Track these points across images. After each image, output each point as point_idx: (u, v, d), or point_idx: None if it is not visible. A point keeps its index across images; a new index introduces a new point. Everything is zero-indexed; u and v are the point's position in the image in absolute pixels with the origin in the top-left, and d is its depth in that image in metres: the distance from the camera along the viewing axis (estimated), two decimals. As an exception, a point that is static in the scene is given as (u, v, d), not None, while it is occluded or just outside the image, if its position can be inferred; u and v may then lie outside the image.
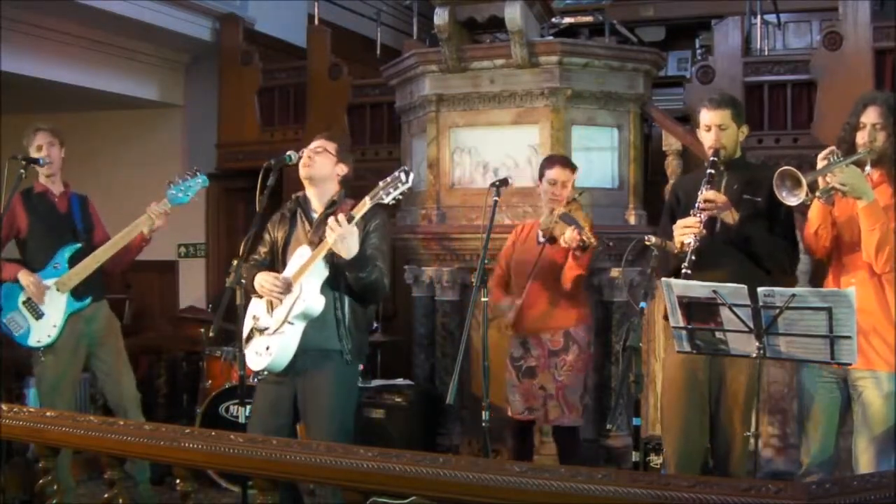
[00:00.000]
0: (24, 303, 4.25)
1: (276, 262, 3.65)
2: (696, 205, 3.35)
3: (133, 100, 7.20)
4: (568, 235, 3.83)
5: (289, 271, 3.52)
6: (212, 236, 7.40)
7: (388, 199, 3.33)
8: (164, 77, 7.38)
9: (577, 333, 4.14)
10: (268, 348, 3.47)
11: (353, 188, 3.71)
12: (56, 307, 4.27)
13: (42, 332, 4.25)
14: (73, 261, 4.31)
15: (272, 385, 3.57)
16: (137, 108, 7.39)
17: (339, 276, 3.46)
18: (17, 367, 5.28)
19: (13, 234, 4.33)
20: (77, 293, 4.30)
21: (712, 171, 3.40)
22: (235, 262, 3.51)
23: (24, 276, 4.23)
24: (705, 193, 3.34)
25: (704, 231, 3.31)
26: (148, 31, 6.63)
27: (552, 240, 4.06)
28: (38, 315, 4.25)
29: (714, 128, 3.46)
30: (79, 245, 4.37)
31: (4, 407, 2.62)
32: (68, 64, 6.52)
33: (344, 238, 3.31)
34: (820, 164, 3.19)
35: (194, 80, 7.51)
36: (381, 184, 3.34)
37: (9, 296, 4.26)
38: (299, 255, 3.52)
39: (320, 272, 3.45)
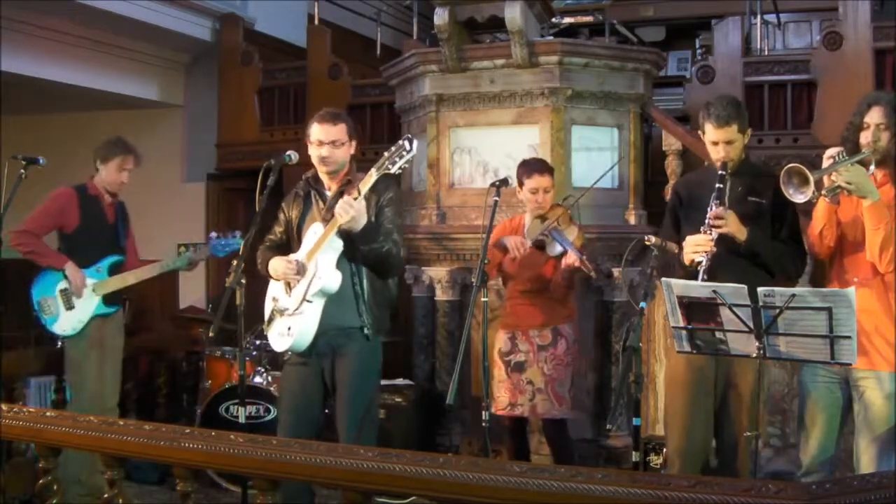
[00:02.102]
0: (60, 291, 4.51)
1: (291, 241, 3.68)
2: (706, 221, 3.35)
3: (133, 100, 7.20)
4: (569, 261, 3.86)
5: (303, 250, 3.54)
6: (212, 236, 7.39)
7: (394, 169, 3.35)
8: (164, 77, 7.38)
9: (564, 329, 4.21)
10: (289, 329, 3.50)
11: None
12: (87, 305, 4.52)
13: (68, 322, 4.51)
14: (112, 270, 4.60)
15: (298, 367, 3.61)
16: (137, 108, 7.38)
17: (354, 249, 3.48)
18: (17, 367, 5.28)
19: (60, 226, 4.56)
20: (106, 299, 4.56)
21: (721, 186, 3.39)
22: (235, 263, 3.52)
23: (72, 269, 4.49)
24: (715, 210, 3.34)
25: (715, 248, 3.31)
26: (148, 31, 6.62)
27: (541, 247, 4.09)
28: (70, 306, 4.51)
29: (722, 144, 3.45)
30: (122, 258, 4.65)
31: (4, 407, 2.62)
32: (68, 64, 6.52)
33: (354, 218, 3.34)
34: (825, 163, 3.19)
35: (194, 80, 7.50)
36: (385, 154, 3.37)
37: (48, 281, 4.52)
38: (313, 232, 3.54)
39: (335, 247, 3.47)
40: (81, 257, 4.54)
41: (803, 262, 3.51)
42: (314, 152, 3.59)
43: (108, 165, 4.57)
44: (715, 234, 3.33)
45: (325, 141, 3.58)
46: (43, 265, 4.52)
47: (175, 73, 7.47)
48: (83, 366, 4.53)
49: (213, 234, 4.57)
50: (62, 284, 4.51)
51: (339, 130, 3.60)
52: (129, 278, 4.59)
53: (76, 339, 4.52)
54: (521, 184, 4.21)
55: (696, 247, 3.34)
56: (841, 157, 3.15)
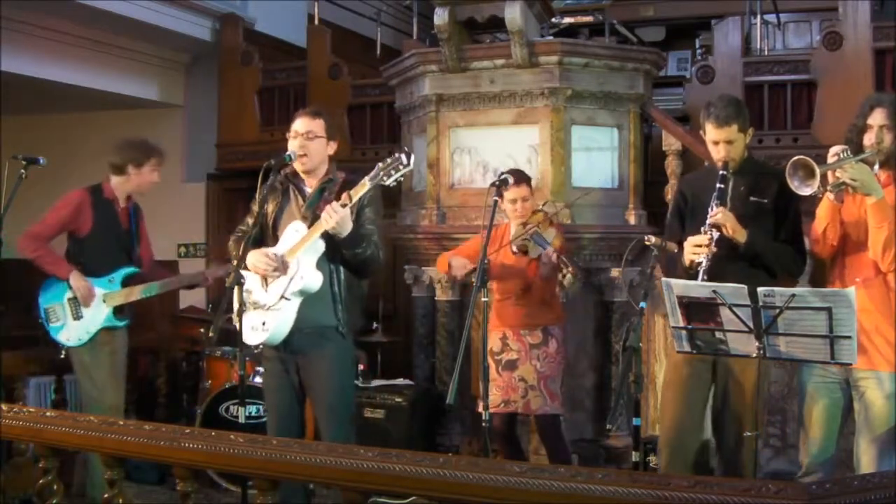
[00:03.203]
0: (69, 300, 4.43)
1: (265, 234, 3.65)
2: (707, 221, 3.35)
3: (133, 100, 7.19)
4: (550, 253, 3.98)
5: (283, 247, 3.53)
6: (212, 236, 7.38)
7: (388, 182, 3.36)
8: (164, 77, 7.38)
9: (554, 331, 4.31)
10: (264, 324, 3.50)
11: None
12: (96, 316, 4.43)
13: (74, 332, 4.42)
14: (125, 282, 4.51)
15: (275, 363, 3.63)
16: (137, 108, 7.38)
17: (335, 251, 3.48)
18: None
19: (71, 228, 4.46)
20: (116, 311, 4.48)
21: (722, 186, 3.40)
22: (235, 263, 3.51)
23: (77, 279, 4.39)
24: (715, 212, 3.35)
25: (715, 249, 3.31)
26: (148, 31, 6.62)
27: (525, 251, 4.20)
28: (77, 316, 4.42)
29: (722, 143, 3.45)
30: (136, 271, 4.56)
31: (4, 407, 2.62)
32: (68, 64, 6.52)
33: (340, 224, 3.34)
34: (830, 159, 3.19)
35: (194, 80, 7.50)
36: (380, 165, 3.37)
37: (57, 288, 4.44)
38: (294, 230, 3.52)
39: (316, 248, 3.47)
40: (93, 264, 4.44)
41: (803, 262, 3.51)
42: (290, 145, 3.60)
43: (143, 169, 4.50)
44: (715, 234, 3.33)
45: (300, 132, 3.59)
46: (48, 272, 4.43)
47: (175, 73, 7.47)
48: (91, 372, 4.46)
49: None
50: (70, 293, 4.41)
51: (315, 124, 3.61)
52: (140, 292, 4.50)
53: (85, 347, 4.43)
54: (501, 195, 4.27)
55: (696, 248, 3.34)
56: (846, 154, 3.16)
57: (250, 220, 3.70)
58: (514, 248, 4.25)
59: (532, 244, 4.12)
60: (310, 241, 3.44)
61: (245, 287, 3.59)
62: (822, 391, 3.31)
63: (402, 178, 3.41)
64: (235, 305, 3.53)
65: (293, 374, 3.61)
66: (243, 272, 3.56)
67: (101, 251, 4.46)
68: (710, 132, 3.48)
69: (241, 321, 3.49)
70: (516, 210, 4.26)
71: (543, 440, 4.40)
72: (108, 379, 4.49)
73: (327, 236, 3.44)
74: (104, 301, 4.43)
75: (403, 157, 3.34)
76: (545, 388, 4.23)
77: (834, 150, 3.22)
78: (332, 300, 3.54)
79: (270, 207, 3.66)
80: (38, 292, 4.47)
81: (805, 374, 3.39)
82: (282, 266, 3.47)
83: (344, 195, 3.41)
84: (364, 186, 3.38)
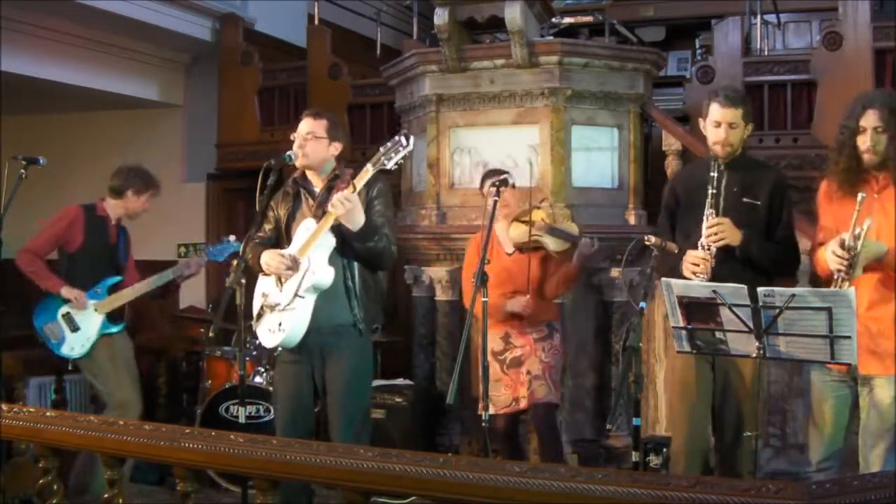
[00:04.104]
0: (63, 315, 4.56)
1: (281, 238, 3.66)
2: (702, 235, 3.34)
3: (133, 100, 7.19)
4: (590, 243, 4.09)
5: (295, 246, 3.53)
6: (212, 236, 7.36)
7: (390, 165, 3.36)
8: (164, 77, 7.37)
9: (556, 325, 4.37)
10: (280, 324, 3.48)
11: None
12: (92, 324, 4.58)
13: (76, 343, 4.57)
14: (111, 291, 4.65)
15: (290, 365, 3.61)
16: (137, 108, 7.38)
17: (347, 245, 3.47)
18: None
19: (63, 243, 4.61)
20: (111, 317, 4.63)
21: (715, 191, 3.38)
22: (235, 263, 3.52)
23: (69, 291, 4.54)
24: (710, 221, 3.34)
25: (713, 263, 3.31)
26: (148, 31, 6.62)
27: (532, 249, 4.21)
28: (75, 328, 4.57)
29: (724, 125, 3.44)
30: (121, 278, 4.69)
31: (4, 407, 2.62)
32: (68, 64, 6.52)
33: (351, 212, 3.32)
34: (833, 259, 3.06)
35: (194, 80, 7.50)
36: (381, 149, 3.36)
37: (49, 307, 4.60)
38: (305, 228, 3.52)
39: (328, 243, 3.46)
40: (82, 277, 4.58)
41: (798, 261, 3.51)
42: (293, 146, 3.61)
43: (141, 197, 4.68)
44: (713, 248, 3.33)
45: (301, 132, 3.60)
46: (41, 287, 4.57)
47: (175, 73, 7.47)
48: (99, 375, 4.60)
49: (205, 244, 4.61)
50: (64, 309, 4.55)
51: (317, 124, 3.62)
52: (128, 295, 4.64)
53: (93, 352, 4.57)
54: (482, 186, 4.30)
55: (694, 267, 3.34)
56: (852, 258, 3.02)
57: (267, 227, 3.69)
58: (509, 250, 4.25)
59: (553, 239, 4.14)
60: (320, 235, 3.42)
61: (262, 290, 3.60)
62: (829, 388, 3.30)
63: (403, 161, 3.40)
64: (255, 310, 3.54)
65: (308, 378, 3.58)
66: (261, 276, 3.58)
67: (90, 265, 4.61)
68: (715, 112, 3.46)
69: (241, 322, 3.50)
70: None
71: (537, 429, 4.37)
72: (115, 379, 4.59)
73: (338, 230, 3.43)
74: (95, 310, 4.57)
75: (403, 138, 3.34)
76: (550, 378, 4.23)
77: (835, 249, 3.05)
78: (346, 297, 3.53)
79: (283, 212, 3.67)
80: (34, 314, 4.61)
81: (812, 372, 3.38)
82: (294, 264, 3.46)
83: (344, 182, 3.41)
84: (367, 172, 3.38)
